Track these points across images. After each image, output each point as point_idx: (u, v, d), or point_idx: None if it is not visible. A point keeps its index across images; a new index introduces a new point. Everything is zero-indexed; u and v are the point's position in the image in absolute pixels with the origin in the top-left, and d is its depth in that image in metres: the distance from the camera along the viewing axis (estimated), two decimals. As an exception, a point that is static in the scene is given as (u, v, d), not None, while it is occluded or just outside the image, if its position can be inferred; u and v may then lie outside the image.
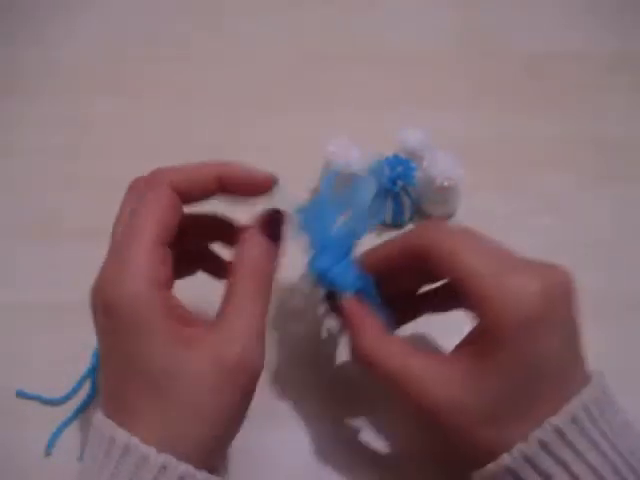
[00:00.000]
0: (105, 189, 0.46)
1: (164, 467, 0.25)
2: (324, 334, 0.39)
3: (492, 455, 0.26)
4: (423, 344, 0.38)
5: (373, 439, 0.35)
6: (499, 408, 0.26)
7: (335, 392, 0.37)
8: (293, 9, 0.58)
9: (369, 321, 0.30)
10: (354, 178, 0.33)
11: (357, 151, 0.42)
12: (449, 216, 0.44)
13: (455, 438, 0.27)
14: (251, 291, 0.28)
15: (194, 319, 0.28)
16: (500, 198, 0.45)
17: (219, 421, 0.27)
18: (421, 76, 0.53)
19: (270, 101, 0.51)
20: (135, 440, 0.25)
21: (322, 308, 0.35)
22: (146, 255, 0.27)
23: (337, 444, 0.35)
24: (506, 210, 0.44)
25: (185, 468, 0.25)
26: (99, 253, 0.44)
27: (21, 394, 0.37)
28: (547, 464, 0.25)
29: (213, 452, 0.27)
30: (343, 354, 0.38)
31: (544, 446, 0.25)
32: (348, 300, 0.31)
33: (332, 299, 0.32)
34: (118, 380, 0.27)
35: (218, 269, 0.35)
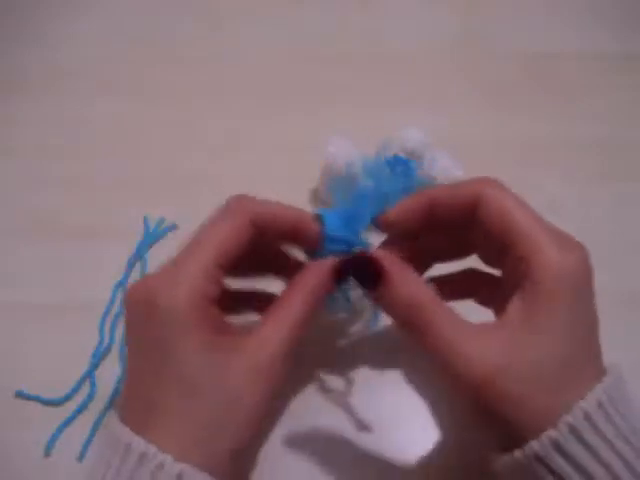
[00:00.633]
0: (105, 189, 0.46)
1: (180, 476, 0.25)
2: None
3: (541, 424, 0.25)
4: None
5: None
6: (552, 371, 0.26)
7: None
8: (293, 9, 0.58)
9: (407, 267, 0.30)
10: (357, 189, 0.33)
11: (357, 151, 0.42)
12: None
13: (502, 408, 0.26)
14: (295, 309, 0.29)
15: (237, 331, 0.29)
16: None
17: (246, 424, 0.27)
18: (421, 76, 0.53)
19: (270, 101, 0.51)
20: (152, 448, 0.25)
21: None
22: (201, 270, 0.27)
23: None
24: (506, 210, 0.44)
25: (202, 478, 0.25)
26: (99, 253, 0.44)
27: (21, 394, 0.37)
28: (575, 450, 0.25)
29: (236, 463, 0.27)
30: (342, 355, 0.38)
31: (573, 431, 0.25)
32: (379, 251, 0.31)
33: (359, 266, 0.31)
34: (147, 380, 0.27)
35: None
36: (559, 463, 0.25)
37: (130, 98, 0.51)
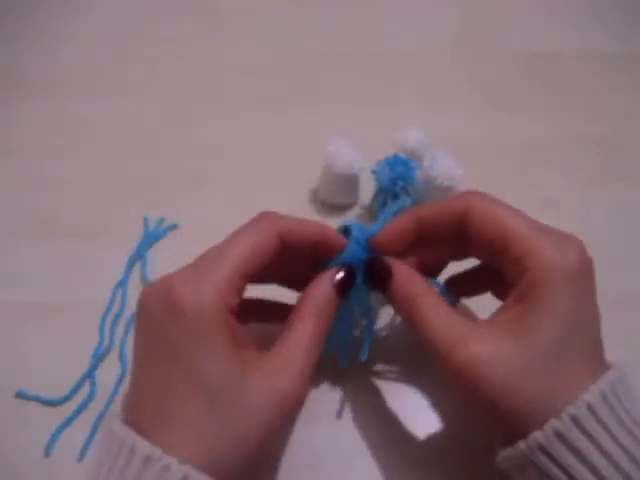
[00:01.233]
0: (105, 189, 0.46)
1: (185, 478, 0.25)
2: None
3: (544, 416, 0.26)
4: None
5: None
6: (547, 362, 0.26)
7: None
8: (293, 9, 0.58)
9: (409, 268, 0.32)
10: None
11: (357, 151, 0.42)
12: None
13: (502, 400, 0.26)
14: (309, 328, 0.29)
15: (252, 345, 0.29)
16: (499, 198, 0.44)
17: (258, 441, 0.27)
18: (421, 76, 0.53)
19: (270, 101, 0.51)
20: (157, 451, 0.25)
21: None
22: (226, 278, 0.28)
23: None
24: (506, 210, 0.44)
25: None
26: (99, 253, 0.44)
27: (21, 394, 0.37)
28: (578, 441, 0.25)
29: (242, 475, 0.27)
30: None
31: (576, 422, 0.25)
32: (390, 260, 0.32)
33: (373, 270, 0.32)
34: (159, 383, 0.27)
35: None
36: (562, 453, 0.25)
37: (130, 98, 0.51)
